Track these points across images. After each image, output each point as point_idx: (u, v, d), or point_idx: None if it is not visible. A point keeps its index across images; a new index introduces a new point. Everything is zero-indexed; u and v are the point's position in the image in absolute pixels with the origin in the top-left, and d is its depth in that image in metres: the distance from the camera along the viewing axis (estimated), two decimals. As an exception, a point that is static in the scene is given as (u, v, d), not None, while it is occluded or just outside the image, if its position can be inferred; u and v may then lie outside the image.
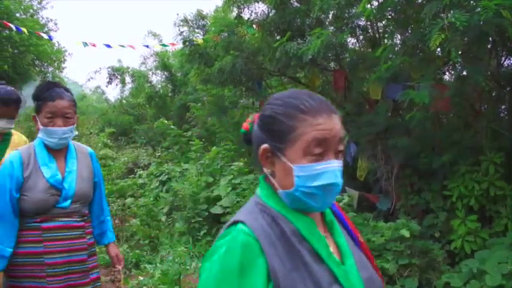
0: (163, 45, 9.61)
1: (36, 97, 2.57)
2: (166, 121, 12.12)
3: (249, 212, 1.32)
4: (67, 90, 2.61)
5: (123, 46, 8.99)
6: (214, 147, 9.19)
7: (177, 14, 9.00)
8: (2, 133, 3.42)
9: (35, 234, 2.49)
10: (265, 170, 1.35)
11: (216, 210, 6.85)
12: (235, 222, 1.27)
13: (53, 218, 2.50)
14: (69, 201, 2.56)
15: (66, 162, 2.64)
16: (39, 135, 2.58)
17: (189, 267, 4.81)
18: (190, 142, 10.42)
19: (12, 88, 3.45)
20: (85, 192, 2.68)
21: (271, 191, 1.35)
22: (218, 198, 7.05)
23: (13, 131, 3.56)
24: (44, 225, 2.48)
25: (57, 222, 2.50)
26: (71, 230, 2.56)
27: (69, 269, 2.55)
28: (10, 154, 2.58)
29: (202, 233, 6.88)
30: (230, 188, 6.97)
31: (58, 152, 2.63)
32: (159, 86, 17.56)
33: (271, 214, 1.30)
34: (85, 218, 2.69)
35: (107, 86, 20.84)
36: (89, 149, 2.87)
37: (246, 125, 1.46)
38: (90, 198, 2.77)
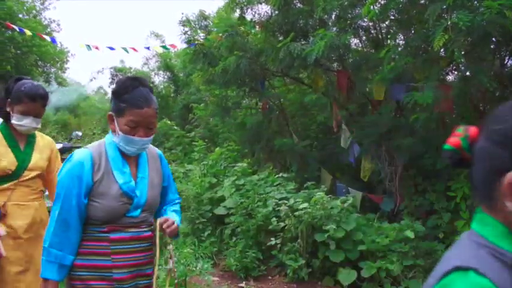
0: (165, 47, 9.61)
1: (119, 95, 2.21)
2: (169, 122, 12.13)
3: (475, 256, 0.98)
4: (151, 90, 2.30)
5: (125, 50, 8.99)
6: (217, 148, 9.20)
7: (182, 13, 9.01)
8: (26, 134, 3.19)
9: (103, 246, 2.22)
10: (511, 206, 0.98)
11: (220, 211, 6.86)
12: (462, 269, 0.94)
13: (122, 229, 2.24)
14: (139, 210, 2.30)
15: (137, 167, 2.37)
16: (115, 139, 2.26)
17: (194, 269, 4.82)
18: (193, 143, 10.43)
19: (39, 83, 3.21)
20: (155, 200, 2.43)
21: (505, 229, 1.00)
22: (222, 199, 7.06)
23: (36, 132, 3.29)
24: (113, 236, 2.22)
25: (126, 233, 2.24)
26: (140, 241, 2.31)
27: (137, 284, 2.33)
28: (78, 153, 2.24)
29: (206, 233, 6.89)
30: (234, 189, 6.98)
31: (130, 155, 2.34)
32: (162, 86, 17.60)
33: (506, 260, 0.96)
34: (151, 227, 2.43)
35: (109, 87, 20.89)
36: (158, 151, 2.58)
37: (456, 141, 1.10)
38: (158, 205, 2.52)
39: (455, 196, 5.45)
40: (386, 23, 6.84)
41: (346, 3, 6.05)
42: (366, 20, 6.39)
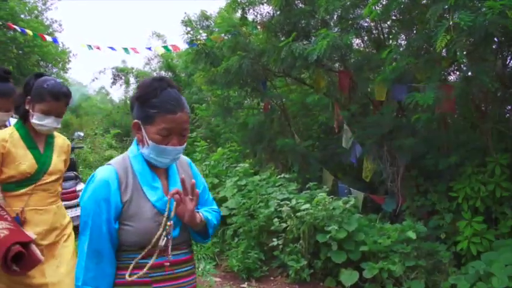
0: (167, 48, 9.58)
1: (146, 100, 1.91)
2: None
3: None
4: (180, 90, 2.00)
5: (127, 51, 8.98)
6: (219, 149, 9.20)
7: (185, 13, 9.02)
8: (45, 134, 2.99)
9: (142, 274, 1.89)
10: None
11: (222, 211, 6.86)
12: None
13: (161, 252, 1.90)
14: (177, 230, 1.98)
15: (168, 180, 2.06)
16: (143, 150, 1.96)
17: (197, 270, 4.82)
18: (196, 143, 10.43)
19: (61, 81, 3.07)
20: None
21: None
22: (224, 199, 7.06)
23: (55, 133, 3.11)
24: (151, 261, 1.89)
25: (166, 257, 1.92)
26: (182, 265, 2.00)
27: None
28: (101, 171, 1.94)
29: (208, 234, 6.89)
30: (236, 190, 6.98)
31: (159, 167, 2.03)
32: (164, 86, 17.62)
33: None
34: (192, 247, 2.14)
35: (111, 87, 20.98)
36: (186, 159, 2.28)
37: None
38: None
39: (457, 196, 5.45)
40: (388, 23, 6.84)
41: (348, 3, 6.04)
42: (367, 20, 6.39)
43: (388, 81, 5.72)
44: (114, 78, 19.62)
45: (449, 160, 5.51)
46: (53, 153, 3.03)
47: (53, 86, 2.83)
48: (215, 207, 2.28)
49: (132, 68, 19.41)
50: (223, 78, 7.27)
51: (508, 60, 6.09)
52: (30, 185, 2.90)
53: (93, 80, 22.69)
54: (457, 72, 6.39)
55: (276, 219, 5.90)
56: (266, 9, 7.55)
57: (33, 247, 2.72)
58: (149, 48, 11.83)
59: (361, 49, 7.44)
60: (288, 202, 5.99)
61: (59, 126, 2.95)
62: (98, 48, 9.40)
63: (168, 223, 1.92)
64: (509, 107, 6.27)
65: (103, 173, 1.92)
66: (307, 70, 7.19)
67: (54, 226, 3.01)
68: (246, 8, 7.68)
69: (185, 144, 2.00)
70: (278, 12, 7.12)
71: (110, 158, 12.74)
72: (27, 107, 2.89)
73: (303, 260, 5.51)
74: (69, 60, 19.59)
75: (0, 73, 3.34)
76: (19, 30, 10.91)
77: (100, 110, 22.93)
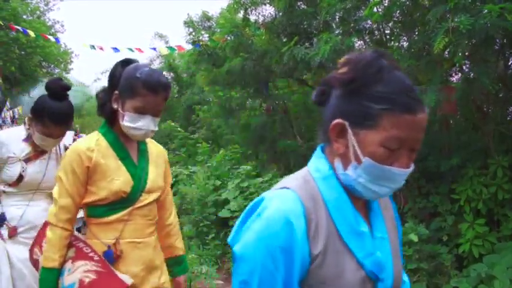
0: (171, 48, 9.60)
1: (363, 86, 1.15)
2: (172, 123, 12.16)
3: None
4: None
5: (131, 50, 9.00)
6: (222, 150, 9.21)
7: (188, 14, 9.06)
8: (137, 141, 2.27)
9: None
10: None
11: (224, 213, 6.86)
12: None
13: None
14: None
15: (370, 219, 1.30)
16: (349, 171, 1.18)
17: (199, 274, 4.82)
18: (198, 144, 10.45)
19: (156, 69, 2.35)
20: (401, 277, 1.38)
21: None
22: (226, 201, 7.07)
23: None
24: None
25: None
26: None
27: None
28: (276, 201, 1.14)
29: (210, 236, 6.90)
30: (238, 192, 6.99)
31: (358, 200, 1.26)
32: (166, 86, 17.61)
33: None
34: None
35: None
36: None
37: None
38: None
39: (459, 199, 5.45)
40: (390, 24, 6.83)
41: (349, 5, 6.04)
42: (369, 21, 6.39)
43: (389, 83, 5.70)
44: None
45: (451, 162, 5.50)
46: (148, 164, 2.30)
47: (148, 75, 2.08)
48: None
49: (134, 69, 19.43)
50: (225, 79, 7.29)
51: (510, 62, 6.07)
52: (126, 208, 2.18)
53: (96, 81, 22.71)
54: (459, 74, 6.39)
55: (278, 222, 5.88)
56: (268, 10, 7.56)
57: None
58: (154, 49, 11.83)
59: (363, 50, 7.41)
60: (290, 204, 5.97)
61: (156, 128, 2.20)
62: (101, 48, 9.43)
63: None
64: (511, 109, 6.25)
65: (280, 204, 1.13)
66: (309, 72, 7.19)
67: (155, 264, 2.28)
68: (249, 9, 7.69)
69: (412, 165, 1.24)
70: (280, 14, 7.13)
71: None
72: (114, 106, 2.16)
73: (305, 262, 5.49)
74: (71, 61, 19.70)
75: (54, 87, 2.75)
76: (21, 30, 10.95)
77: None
